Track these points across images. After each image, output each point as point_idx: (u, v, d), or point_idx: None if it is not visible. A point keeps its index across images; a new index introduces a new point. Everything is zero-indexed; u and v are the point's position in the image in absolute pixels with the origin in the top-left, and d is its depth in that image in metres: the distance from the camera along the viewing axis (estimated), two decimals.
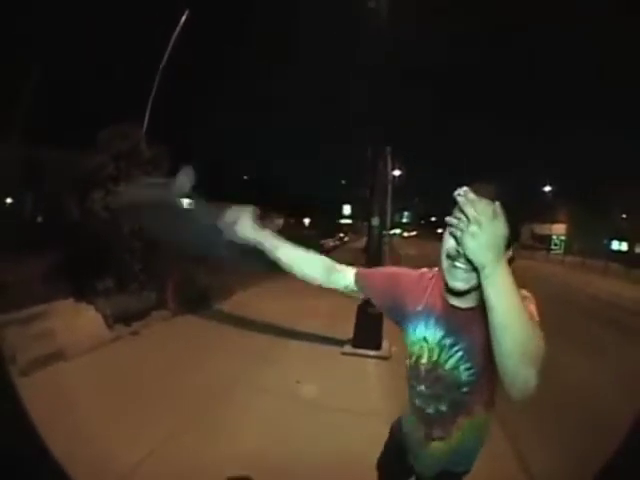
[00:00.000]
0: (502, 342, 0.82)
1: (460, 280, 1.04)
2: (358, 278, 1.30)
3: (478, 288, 0.94)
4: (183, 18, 9.76)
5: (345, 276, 1.30)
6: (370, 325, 5.12)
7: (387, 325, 5.09)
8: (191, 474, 2.52)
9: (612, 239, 32.77)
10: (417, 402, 1.27)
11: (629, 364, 5.09)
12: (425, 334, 1.20)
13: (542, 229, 38.93)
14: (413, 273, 1.30)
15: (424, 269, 1.29)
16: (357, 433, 3.09)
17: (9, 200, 11.09)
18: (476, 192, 0.86)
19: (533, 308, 1.03)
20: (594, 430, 3.08)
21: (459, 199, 0.85)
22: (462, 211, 0.85)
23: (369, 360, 4.93)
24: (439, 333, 1.17)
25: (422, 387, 1.23)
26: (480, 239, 0.83)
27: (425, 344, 1.20)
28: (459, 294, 1.10)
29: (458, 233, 0.86)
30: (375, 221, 5.63)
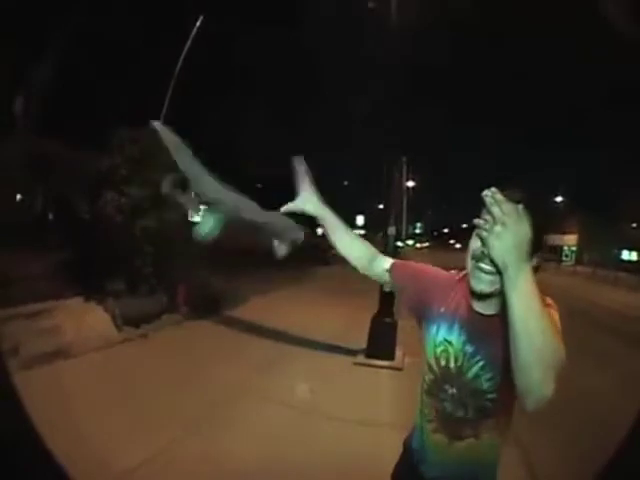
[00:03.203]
0: (520, 351, 0.81)
1: (484, 282, 1.03)
2: (393, 268, 1.33)
3: (502, 293, 0.92)
4: (198, 22, 9.88)
5: (383, 264, 1.34)
6: (384, 335, 5.09)
7: (400, 336, 5.08)
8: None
9: (622, 249, 32.40)
10: (445, 406, 1.22)
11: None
12: (448, 337, 1.18)
13: (553, 240, 38.59)
14: (444, 273, 1.29)
15: (454, 270, 1.28)
16: (369, 445, 3.02)
17: (19, 196, 11.19)
18: (504, 194, 0.86)
19: (556, 317, 1.01)
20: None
21: (486, 199, 0.85)
22: (489, 211, 0.85)
23: (382, 371, 4.85)
24: (462, 338, 1.15)
25: (451, 391, 1.20)
26: (504, 239, 0.83)
27: (450, 347, 1.18)
28: (482, 298, 1.08)
29: (484, 234, 0.87)
30: (392, 230, 5.63)
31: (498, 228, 0.84)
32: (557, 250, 37.85)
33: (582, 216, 36.31)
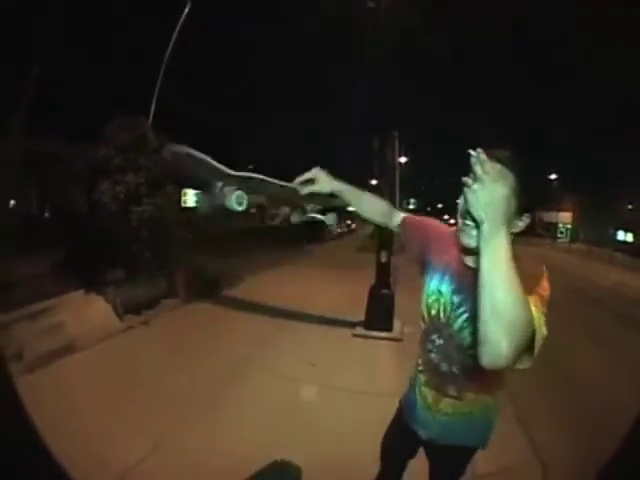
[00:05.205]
0: (482, 302, 0.84)
1: (470, 237, 1.09)
2: (402, 223, 1.48)
3: None
4: (186, 9, 9.68)
5: (397, 218, 1.50)
6: (381, 307, 5.16)
7: (398, 307, 5.16)
8: (205, 461, 2.52)
9: (618, 229, 32.51)
10: (432, 357, 1.30)
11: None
12: (440, 287, 1.26)
13: (549, 217, 38.75)
14: (444, 228, 1.39)
15: (454, 227, 1.34)
16: (371, 414, 3.07)
17: (13, 201, 11.04)
18: (489, 155, 0.89)
19: (545, 283, 1.04)
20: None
21: (472, 159, 0.88)
22: (472, 170, 0.89)
23: (381, 342, 4.95)
24: (450, 288, 1.23)
25: (439, 342, 1.27)
26: (480, 196, 0.87)
27: (440, 297, 1.25)
28: (470, 252, 1.15)
29: (465, 190, 0.91)
30: None
31: (476, 185, 0.88)
32: (552, 227, 38.05)
33: (577, 195, 36.39)
